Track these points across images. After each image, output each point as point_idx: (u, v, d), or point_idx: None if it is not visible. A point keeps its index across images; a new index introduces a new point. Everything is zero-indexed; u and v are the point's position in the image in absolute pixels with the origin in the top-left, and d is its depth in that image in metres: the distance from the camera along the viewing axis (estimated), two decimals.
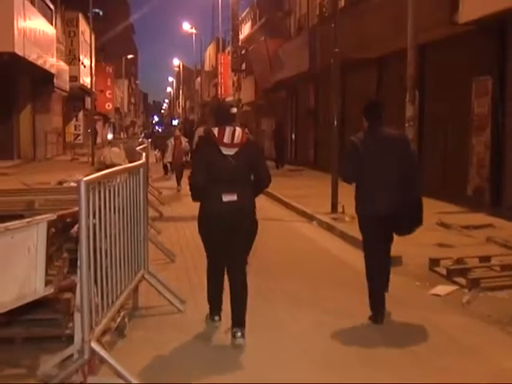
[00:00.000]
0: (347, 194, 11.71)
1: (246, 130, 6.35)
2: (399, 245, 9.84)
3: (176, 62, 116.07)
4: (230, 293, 6.28)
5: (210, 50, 74.48)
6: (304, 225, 13.28)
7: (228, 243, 6.20)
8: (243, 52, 48.12)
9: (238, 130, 6.15)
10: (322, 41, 23.95)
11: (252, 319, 6.27)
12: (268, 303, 7.49)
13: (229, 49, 57.07)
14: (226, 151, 6.04)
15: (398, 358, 5.78)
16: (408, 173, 6.84)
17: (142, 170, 6.69)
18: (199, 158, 6.28)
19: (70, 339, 5.49)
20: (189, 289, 7.93)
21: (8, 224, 4.21)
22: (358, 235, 10.29)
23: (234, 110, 6.57)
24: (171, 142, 21.44)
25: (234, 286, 6.27)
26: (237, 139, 6.06)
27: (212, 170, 6.06)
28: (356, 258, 9.76)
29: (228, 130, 6.05)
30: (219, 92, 55.80)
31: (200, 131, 28.98)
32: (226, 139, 6.03)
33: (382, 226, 6.79)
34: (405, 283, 8.38)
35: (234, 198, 6.04)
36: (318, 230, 12.61)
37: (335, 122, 14.69)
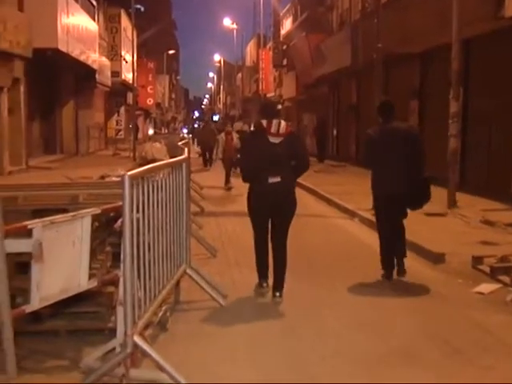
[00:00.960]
0: None
1: (290, 124, 7.68)
2: (443, 242, 9.79)
3: (217, 57, 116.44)
4: (273, 260, 7.54)
5: (251, 46, 74.46)
6: (346, 221, 13.20)
7: (273, 217, 7.39)
8: (284, 47, 48.09)
9: (283, 122, 7.41)
10: (365, 36, 23.80)
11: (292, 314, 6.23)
12: (307, 300, 7.48)
13: (270, 44, 57.06)
14: (272, 140, 7.26)
15: (441, 356, 5.70)
16: (414, 159, 8.15)
17: (184, 164, 6.69)
18: (248, 146, 7.73)
19: (113, 332, 5.53)
20: (230, 284, 7.94)
21: (53, 218, 4.24)
22: None
23: (279, 106, 8.25)
24: (222, 137, 20.52)
25: (277, 254, 7.49)
26: (282, 130, 7.29)
27: (260, 155, 7.25)
28: None
29: (274, 122, 7.29)
30: (260, 88, 55.74)
31: (237, 126, 29.51)
32: (273, 130, 7.25)
33: (392, 203, 8.22)
34: (447, 281, 8.30)
35: (278, 179, 7.20)
36: (359, 227, 12.53)
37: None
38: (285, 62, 48.22)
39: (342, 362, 5.52)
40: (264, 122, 7.36)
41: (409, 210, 8.57)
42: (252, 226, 7.64)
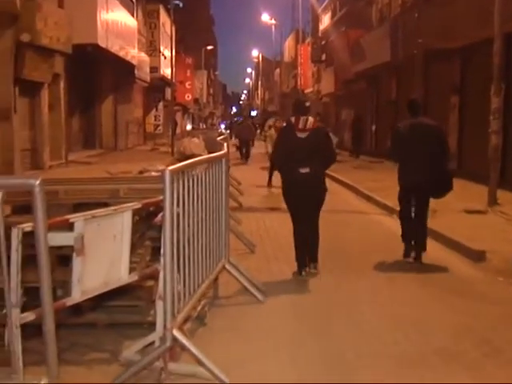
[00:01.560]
0: None
1: (318, 119, 8.06)
2: (483, 240, 9.66)
3: (255, 53, 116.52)
4: (300, 242, 8.27)
5: (290, 41, 74.31)
6: (385, 218, 13.09)
7: (304, 203, 8.15)
8: (323, 43, 47.90)
9: (311, 119, 8.19)
10: (404, 31, 23.60)
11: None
12: (347, 295, 7.45)
13: (309, 40, 56.90)
14: (299, 135, 8.07)
15: (481, 355, 5.62)
16: (438, 152, 8.85)
17: (224, 160, 6.70)
18: (280, 141, 8.53)
19: (151, 326, 5.56)
20: (269, 279, 7.94)
21: (95, 211, 4.27)
22: (438, 229, 10.25)
23: (308, 103, 8.64)
24: (272, 133, 19.21)
25: (310, 234, 8.29)
26: (309, 126, 8.07)
27: (290, 149, 8.10)
28: (436, 251, 9.61)
29: (302, 118, 8.09)
30: (299, 83, 55.63)
31: (270, 121, 29.71)
32: (301, 125, 8.06)
33: (419, 191, 8.98)
34: (488, 279, 8.21)
35: (308, 170, 7.99)
36: (397, 223, 12.43)
37: None
38: (323, 57, 48.03)
39: (381, 361, 5.47)
40: (293, 119, 8.20)
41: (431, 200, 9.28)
42: (289, 212, 8.46)
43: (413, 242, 9.11)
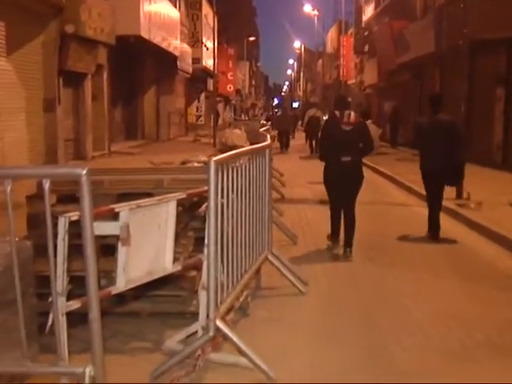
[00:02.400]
0: (473, 181, 11.44)
1: (360, 110, 10.63)
2: None
3: (297, 44, 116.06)
4: (344, 223, 9.06)
5: (332, 32, 73.87)
6: (426, 210, 12.95)
7: (344, 188, 8.97)
8: (366, 34, 47.50)
9: (353, 113, 9.10)
10: (449, 21, 23.28)
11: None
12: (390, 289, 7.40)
13: (351, 31, 56.50)
14: (344, 127, 8.91)
15: None
16: (453, 145, 9.77)
17: (267, 151, 6.69)
18: (325, 132, 9.39)
19: (193, 316, 5.59)
20: (311, 271, 7.92)
21: (140, 201, 4.29)
22: (484, 222, 10.14)
23: (349, 99, 9.75)
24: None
25: (347, 219, 9.02)
26: (351, 119, 8.97)
27: (335, 140, 8.93)
28: (483, 246, 9.49)
29: (346, 113, 8.96)
30: (341, 74, 55.28)
31: (311, 112, 29.76)
32: (345, 119, 8.92)
33: (434, 178, 10.11)
34: None
35: (349, 159, 8.83)
36: (441, 216, 12.30)
37: (462, 107, 14.23)
38: (366, 48, 47.64)
39: (426, 354, 5.42)
40: (337, 113, 9.03)
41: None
42: (328, 196, 9.31)
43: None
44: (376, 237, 10.21)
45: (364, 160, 9.63)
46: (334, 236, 9.25)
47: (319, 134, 10.82)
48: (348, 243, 8.88)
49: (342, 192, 9.02)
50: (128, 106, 33.01)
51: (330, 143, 9.01)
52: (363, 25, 51.33)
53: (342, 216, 9.10)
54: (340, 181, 8.94)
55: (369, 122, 14.73)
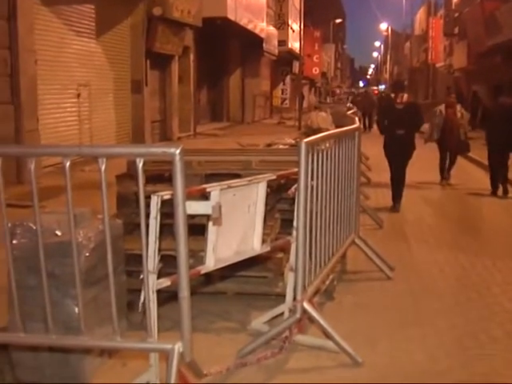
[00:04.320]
0: None
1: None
2: None
3: (384, 26, 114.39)
4: (395, 184, 11.06)
5: (421, 14, 72.29)
6: None
7: (398, 155, 10.93)
8: (456, 15, 46.39)
9: (405, 95, 11.55)
10: None
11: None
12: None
13: (441, 12, 55.23)
14: (397, 106, 11.12)
15: None
16: None
17: (356, 133, 6.61)
18: (383, 110, 12.02)
19: (279, 298, 5.59)
20: (397, 256, 7.81)
21: (230, 182, 4.30)
22: None
23: (405, 83, 14.09)
24: (440, 110, 14.12)
25: (399, 178, 11.04)
26: (404, 100, 11.26)
27: (391, 116, 11.08)
28: None
29: (400, 95, 11.29)
30: (429, 57, 54.12)
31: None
32: (399, 100, 11.21)
33: (497, 148, 12.66)
34: None
35: (402, 132, 10.76)
36: None
37: None
38: (456, 30, 46.55)
39: None
40: (392, 95, 11.61)
41: None
42: (388, 163, 11.21)
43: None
44: (467, 224, 10.02)
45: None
46: (395, 200, 11.03)
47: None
48: (397, 197, 11.00)
49: (398, 159, 10.96)
50: (213, 88, 33.24)
51: (388, 119, 11.15)
52: (453, 6, 50.11)
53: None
54: (395, 149, 10.87)
55: (458, 106, 14.25)
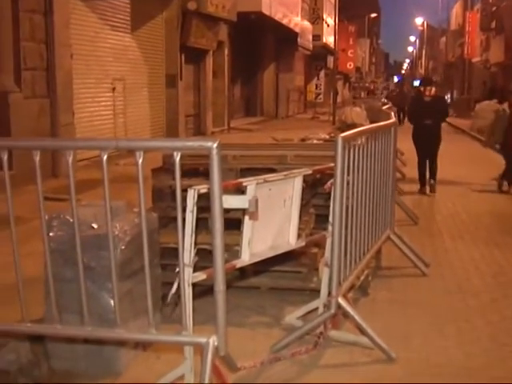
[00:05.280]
0: None
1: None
2: None
3: (419, 20, 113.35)
4: (428, 170, 12.11)
5: (457, 8, 71.63)
6: None
7: (426, 144, 12.06)
8: (493, 9, 45.87)
9: (433, 89, 12.34)
10: None
11: None
12: None
13: (478, 6, 54.64)
14: (426, 99, 12.13)
15: None
16: None
17: (392, 129, 6.56)
18: (413, 103, 13.34)
19: (313, 293, 5.57)
20: (432, 252, 7.76)
21: (266, 176, 4.29)
22: None
23: (434, 79, 14.51)
24: (504, 109, 12.74)
25: (431, 165, 12.06)
26: (432, 93, 12.13)
27: (419, 108, 12.21)
28: None
29: (427, 88, 12.16)
30: (465, 52, 53.58)
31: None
32: (427, 93, 12.12)
33: None
34: None
35: (430, 122, 11.86)
36: None
37: None
38: (493, 24, 46.03)
39: None
40: (422, 88, 12.42)
41: None
42: (416, 151, 12.27)
43: None
44: (502, 218, 9.91)
45: None
46: (422, 184, 12.14)
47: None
48: (432, 177, 12.04)
49: (425, 147, 12.06)
50: (247, 82, 33.27)
51: (417, 110, 12.32)
52: (490, 0, 49.57)
53: (428, 164, 12.03)
54: (423, 137, 11.99)
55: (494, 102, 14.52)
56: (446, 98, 15.19)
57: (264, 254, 4.42)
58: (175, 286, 3.66)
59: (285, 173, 4.46)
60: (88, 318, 3.77)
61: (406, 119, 13.35)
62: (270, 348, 4.83)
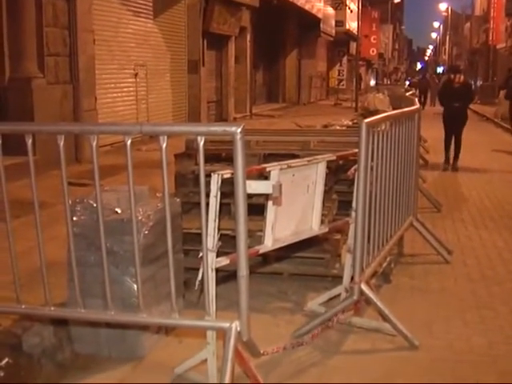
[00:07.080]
0: None
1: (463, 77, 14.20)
2: None
3: (443, 6, 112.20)
4: (453, 148, 13.48)
5: None
6: None
7: (454, 124, 13.41)
8: None
9: (461, 76, 13.85)
10: None
11: None
12: None
13: None
14: (455, 85, 13.38)
15: None
16: None
17: (416, 115, 6.51)
18: (443, 88, 14.59)
19: (335, 279, 5.57)
20: (455, 240, 7.71)
21: (290, 161, 4.28)
22: None
23: (461, 67, 14.88)
24: None
25: (456, 143, 13.49)
26: (460, 80, 13.50)
27: (449, 92, 13.47)
28: None
29: (457, 75, 13.56)
30: (490, 38, 52.98)
31: (444, 78, 29.79)
32: (456, 80, 13.41)
33: None
34: None
35: (458, 104, 13.13)
36: None
37: None
38: None
39: None
40: (452, 75, 13.74)
41: None
42: (444, 128, 13.61)
43: None
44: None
45: None
46: (447, 161, 13.48)
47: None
48: (456, 155, 13.46)
49: (453, 126, 13.48)
50: (269, 68, 33.19)
51: (447, 94, 13.61)
52: None
53: (453, 142, 13.45)
54: (452, 118, 13.36)
55: None
56: (472, 84, 17.84)
57: (287, 239, 4.41)
58: (201, 271, 3.66)
59: (308, 158, 4.45)
60: (111, 302, 3.78)
61: (429, 107, 13.65)
62: (292, 334, 4.83)
